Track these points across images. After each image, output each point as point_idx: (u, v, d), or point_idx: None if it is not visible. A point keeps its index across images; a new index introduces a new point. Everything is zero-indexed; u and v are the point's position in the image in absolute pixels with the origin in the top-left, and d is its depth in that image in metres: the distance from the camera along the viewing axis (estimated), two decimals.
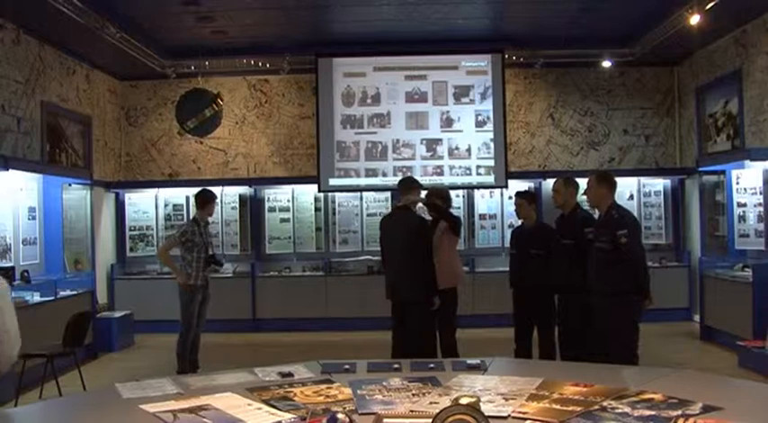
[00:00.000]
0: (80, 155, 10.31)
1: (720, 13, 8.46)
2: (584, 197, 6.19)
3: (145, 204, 11.63)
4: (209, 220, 8.26)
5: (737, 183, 9.32)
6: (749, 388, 3.65)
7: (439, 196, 7.05)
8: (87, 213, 9.83)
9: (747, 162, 8.99)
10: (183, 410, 2.92)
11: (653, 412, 2.76)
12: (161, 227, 11.49)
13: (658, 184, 11.59)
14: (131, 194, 11.66)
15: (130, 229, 11.59)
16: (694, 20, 8.53)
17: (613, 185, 5.89)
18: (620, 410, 2.80)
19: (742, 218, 9.22)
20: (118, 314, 10.11)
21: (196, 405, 3.00)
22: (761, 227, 8.83)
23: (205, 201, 7.96)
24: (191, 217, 8.75)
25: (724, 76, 10.14)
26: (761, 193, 8.86)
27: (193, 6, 8.84)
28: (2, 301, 3.35)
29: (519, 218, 7.34)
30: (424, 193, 7.09)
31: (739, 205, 9.26)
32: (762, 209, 8.82)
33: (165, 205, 11.60)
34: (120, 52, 9.70)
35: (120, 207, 11.61)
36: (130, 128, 11.97)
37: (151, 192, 11.63)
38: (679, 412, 2.74)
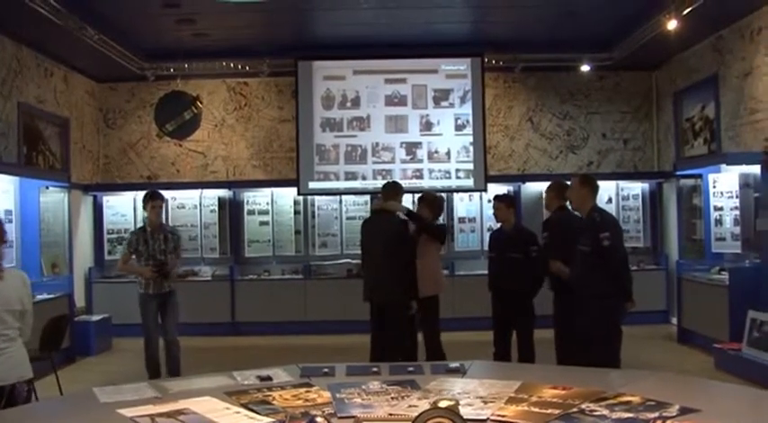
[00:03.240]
0: (57, 157, 10.23)
1: (697, 18, 8.53)
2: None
3: (123, 207, 11.55)
4: (172, 224, 8.02)
5: (714, 187, 9.42)
6: (726, 390, 3.69)
7: (428, 203, 7.04)
8: (65, 216, 9.74)
9: (724, 166, 9.10)
10: (161, 414, 2.91)
11: (631, 415, 2.78)
12: None
13: (636, 187, 11.67)
14: (109, 197, 11.58)
15: (108, 233, 11.50)
16: (672, 25, 8.60)
17: (595, 188, 5.93)
18: (598, 413, 2.82)
19: (718, 221, 9.30)
20: (96, 318, 10.04)
21: (174, 409, 2.98)
22: (737, 230, 8.93)
23: (143, 203, 7.59)
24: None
25: (701, 81, 10.24)
26: (737, 197, 8.96)
27: (173, 8, 8.79)
28: (30, 289, 3.94)
29: (497, 221, 7.37)
30: (407, 197, 7.17)
31: (716, 209, 9.35)
32: (738, 212, 8.92)
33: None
34: (98, 54, 9.63)
35: (98, 210, 11.52)
36: (109, 130, 11.90)
37: (129, 194, 11.54)
38: (656, 414, 2.75)
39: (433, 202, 7.13)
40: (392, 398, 3.13)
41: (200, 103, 11.11)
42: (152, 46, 10.47)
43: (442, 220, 7.89)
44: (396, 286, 6.48)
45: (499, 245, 7.13)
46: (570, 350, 6.29)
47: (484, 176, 11.22)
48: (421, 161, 11.29)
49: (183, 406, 3.03)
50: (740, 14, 8.98)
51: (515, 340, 6.97)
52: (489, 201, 11.19)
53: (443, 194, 7.62)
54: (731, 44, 9.40)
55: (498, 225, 7.38)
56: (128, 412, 2.95)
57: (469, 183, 11.28)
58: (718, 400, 3.22)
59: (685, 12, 8.31)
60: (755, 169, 8.38)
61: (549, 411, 2.85)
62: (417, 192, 10.54)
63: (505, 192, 10.67)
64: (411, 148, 11.30)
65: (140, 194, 11.25)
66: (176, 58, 10.76)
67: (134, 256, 7.39)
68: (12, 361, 3.65)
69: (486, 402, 3.01)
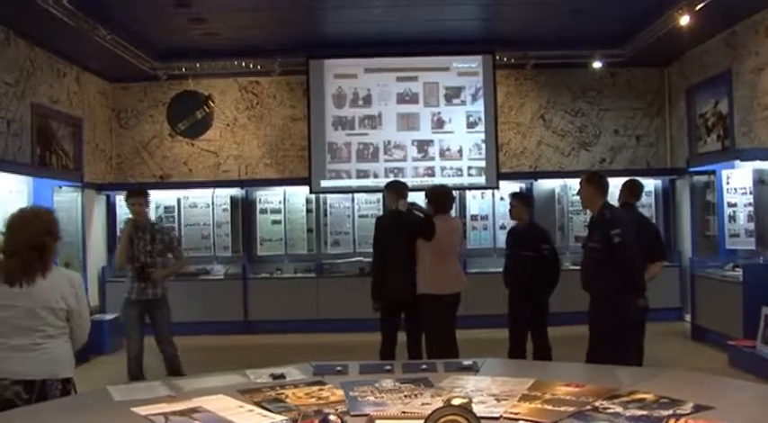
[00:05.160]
0: (71, 157, 10.28)
1: (710, 14, 8.50)
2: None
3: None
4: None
5: (728, 183, 9.36)
6: (740, 387, 3.66)
7: (428, 198, 6.82)
8: (78, 216, 9.79)
9: (737, 162, 9.04)
10: (174, 413, 2.92)
11: (644, 412, 2.77)
12: None
13: (649, 184, 11.58)
14: (122, 196, 11.59)
15: (121, 232, 11.50)
16: (684, 20, 8.57)
17: (603, 186, 5.89)
18: (611, 410, 2.81)
19: (732, 218, 9.26)
20: (109, 317, 10.05)
21: (188, 407, 2.99)
22: (751, 227, 8.88)
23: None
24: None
25: (714, 77, 10.19)
26: (751, 193, 8.91)
27: (184, 8, 8.81)
28: (80, 291, 3.86)
29: (511, 218, 7.38)
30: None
31: (729, 205, 9.30)
32: (752, 209, 8.87)
33: (157, 207, 11.52)
34: (110, 54, 9.68)
35: (111, 209, 11.57)
36: (121, 130, 11.95)
37: None
38: (670, 412, 2.75)
39: (431, 196, 6.78)
40: (405, 396, 3.13)
41: (212, 102, 11.15)
42: (164, 46, 10.50)
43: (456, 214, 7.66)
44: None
45: (512, 243, 7.15)
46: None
47: (496, 174, 11.21)
48: (433, 159, 11.28)
49: (196, 404, 3.04)
50: (753, 9, 8.92)
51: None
52: (502, 198, 11.29)
53: (450, 188, 7.14)
54: (744, 39, 9.35)
55: (513, 223, 7.39)
56: (142, 411, 2.97)
57: (481, 180, 11.27)
58: (731, 397, 3.20)
59: (698, 7, 8.28)
60: None
61: (563, 409, 2.84)
62: None
63: (522, 190, 10.78)
64: (423, 145, 11.30)
65: (153, 193, 11.36)
66: (188, 58, 10.80)
67: None
68: (45, 357, 3.66)
69: (499, 400, 3.01)
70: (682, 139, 11.38)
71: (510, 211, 7.27)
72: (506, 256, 7.34)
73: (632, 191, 6.90)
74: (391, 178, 10.53)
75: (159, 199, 11.54)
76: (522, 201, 7.16)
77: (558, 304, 7.05)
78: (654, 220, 11.29)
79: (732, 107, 9.69)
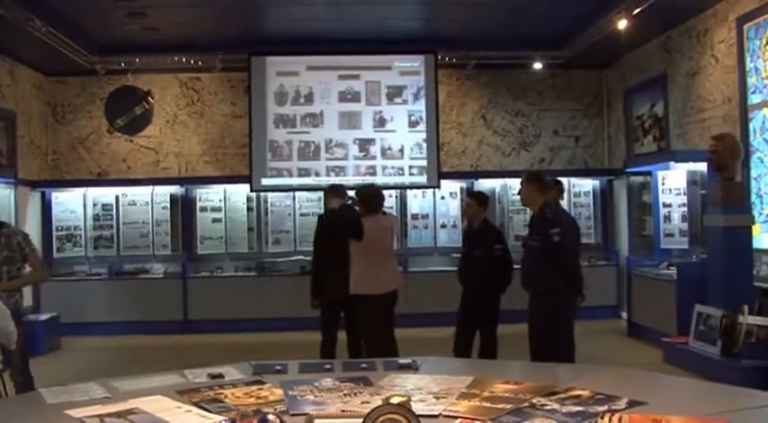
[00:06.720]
0: (3, 152, 10.01)
1: (647, 18, 8.67)
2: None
3: (72, 204, 11.34)
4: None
5: (663, 183, 9.60)
6: (672, 382, 3.74)
7: (360, 198, 6.67)
8: (11, 213, 9.54)
9: (672, 163, 9.27)
10: (110, 414, 2.86)
11: (581, 408, 2.81)
12: (89, 227, 11.25)
13: (587, 184, 11.80)
14: (58, 194, 11.36)
15: (57, 230, 11.29)
16: (622, 24, 8.74)
17: (543, 185, 5.96)
18: (549, 407, 2.85)
19: (667, 218, 9.49)
20: (44, 317, 9.83)
21: (124, 409, 2.93)
22: (685, 226, 9.13)
23: None
24: None
25: (650, 80, 10.41)
26: (684, 194, 9.17)
27: (124, 2, 8.65)
28: None
29: (466, 217, 7.42)
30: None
31: (665, 205, 9.55)
32: (686, 209, 9.13)
33: (94, 205, 11.34)
34: (46, 47, 9.42)
35: (46, 207, 11.28)
36: (57, 125, 11.66)
37: (79, 191, 11.36)
38: (605, 407, 2.79)
39: (359, 197, 6.65)
40: (345, 394, 3.13)
41: (152, 98, 10.98)
42: (102, 39, 10.28)
43: (395, 214, 7.64)
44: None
45: (467, 242, 7.22)
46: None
47: (437, 173, 11.27)
48: (374, 158, 11.29)
49: (133, 405, 2.98)
50: (688, 16, 9.14)
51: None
52: (443, 197, 11.38)
53: (379, 188, 7.01)
54: (679, 44, 9.57)
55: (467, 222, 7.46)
56: (76, 413, 2.89)
57: (422, 179, 11.32)
58: (664, 392, 3.27)
59: (635, 12, 8.45)
60: (702, 167, 8.54)
61: (501, 406, 2.87)
62: None
63: (464, 188, 10.85)
64: (364, 144, 11.30)
65: (90, 191, 11.22)
66: (127, 53, 10.60)
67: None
68: None
69: (438, 398, 3.02)
70: (619, 141, 11.60)
71: (464, 210, 7.33)
72: (461, 255, 7.42)
73: (556, 190, 7.01)
74: (333, 177, 10.60)
75: (97, 196, 11.34)
76: (477, 200, 7.17)
77: (501, 302, 7.12)
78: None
79: (667, 110, 9.92)
